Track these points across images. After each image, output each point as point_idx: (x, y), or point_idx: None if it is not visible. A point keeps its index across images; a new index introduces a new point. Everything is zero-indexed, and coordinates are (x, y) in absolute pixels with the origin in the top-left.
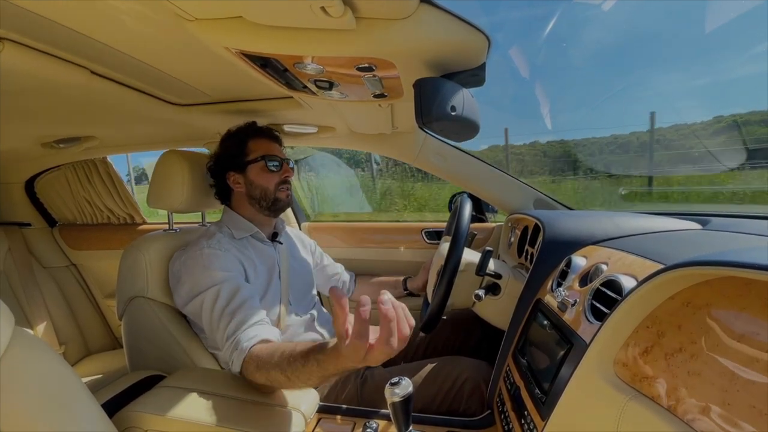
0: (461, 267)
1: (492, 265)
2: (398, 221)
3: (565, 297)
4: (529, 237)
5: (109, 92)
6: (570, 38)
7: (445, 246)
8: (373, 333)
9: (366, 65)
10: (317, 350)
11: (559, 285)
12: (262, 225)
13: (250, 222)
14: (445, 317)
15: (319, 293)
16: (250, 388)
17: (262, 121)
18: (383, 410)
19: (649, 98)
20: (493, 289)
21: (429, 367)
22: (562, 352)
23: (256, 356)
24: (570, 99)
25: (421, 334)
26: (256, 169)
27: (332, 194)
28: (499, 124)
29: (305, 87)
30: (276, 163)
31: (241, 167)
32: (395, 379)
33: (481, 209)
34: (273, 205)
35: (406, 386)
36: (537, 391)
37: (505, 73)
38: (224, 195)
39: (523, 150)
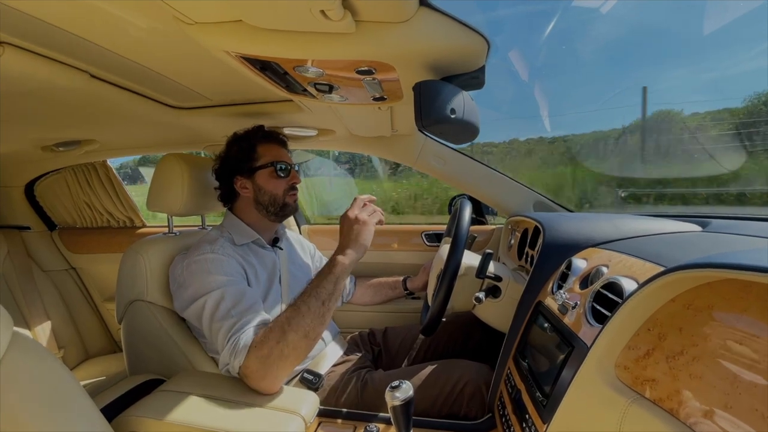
0: (461, 270)
1: (492, 267)
2: (398, 224)
3: (566, 299)
4: (529, 239)
5: (109, 95)
6: (568, 38)
7: (445, 249)
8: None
9: (366, 68)
10: (320, 273)
11: (560, 287)
12: (264, 231)
13: (252, 228)
14: (445, 320)
15: None
16: (250, 392)
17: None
18: (384, 414)
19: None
20: (493, 292)
21: (429, 370)
22: (563, 355)
23: (263, 335)
24: (568, 99)
25: (422, 337)
26: (265, 174)
27: (331, 197)
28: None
29: (305, 90)
30: (285, 169)
31: (249, 172)
32: (396, 383)
33: (480, 212)
34: (281, 210)
35: (406, 390)
36: (538, 394)
37: (503, 73)
38: (228, 198)
39: (497, 148)
